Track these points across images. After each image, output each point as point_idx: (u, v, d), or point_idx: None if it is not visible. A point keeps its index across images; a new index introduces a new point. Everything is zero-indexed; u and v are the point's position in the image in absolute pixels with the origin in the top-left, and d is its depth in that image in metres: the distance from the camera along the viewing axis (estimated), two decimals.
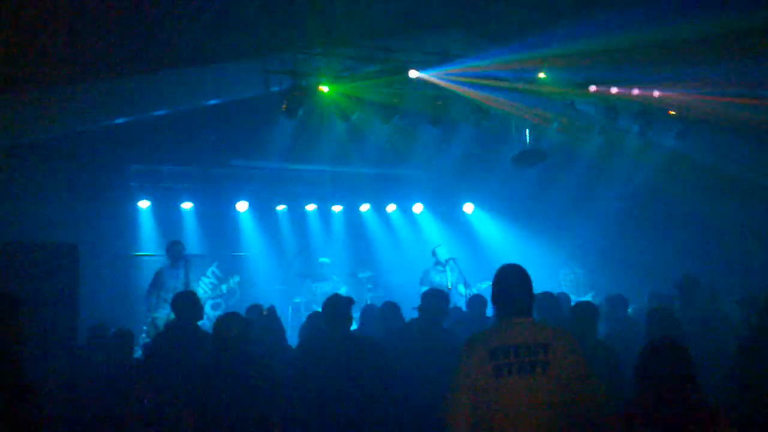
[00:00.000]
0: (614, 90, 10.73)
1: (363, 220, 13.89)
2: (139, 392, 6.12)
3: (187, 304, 6.46)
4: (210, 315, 10.99)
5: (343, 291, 10.69)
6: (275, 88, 9.41)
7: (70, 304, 7.56)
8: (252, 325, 5.77)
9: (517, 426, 3.66)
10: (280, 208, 13.13)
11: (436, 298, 6.58)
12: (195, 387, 4.92)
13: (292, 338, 7.96)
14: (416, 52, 10.02)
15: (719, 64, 9.29)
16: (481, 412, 3.70)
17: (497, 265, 4.11)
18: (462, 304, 9.16)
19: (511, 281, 3.97)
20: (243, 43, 9.29)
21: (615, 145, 11.74)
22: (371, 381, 5.14)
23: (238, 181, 12.49)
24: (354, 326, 6.62)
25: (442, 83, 10.04)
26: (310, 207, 13.37)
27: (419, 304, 6.75)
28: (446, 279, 10.41)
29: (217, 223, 12.41)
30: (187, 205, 12.15)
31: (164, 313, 8.97)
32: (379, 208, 13.98)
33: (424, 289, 9.96)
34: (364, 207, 13.80)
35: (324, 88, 9.65)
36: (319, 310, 6.46)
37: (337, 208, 13.61)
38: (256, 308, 7.31)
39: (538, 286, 4.39)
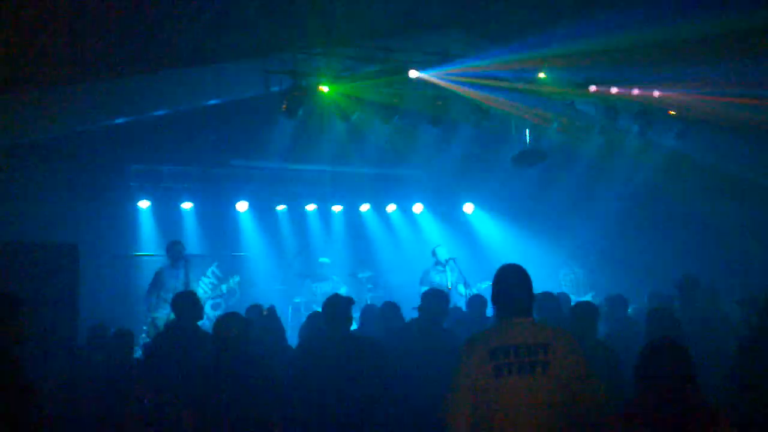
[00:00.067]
0: (614, 90, 10.73)
1: (363, 220, 13.89)
2: (139, 392, 6.12)
3: (187, 304, 6.46)
4: (210, 315, 10.99)
5: (343, 291, 10.68)
6: (275, 88, 9.41)
7: (70, 304, 7.56)
8: (252, 325, 5.77)
9: (517, 426, 3.66)
10: (280, 208, 13.13)
11: (436, 298, 6.58)
12: (195, 387, 4.92)
13: (292, 338, 7.96)
14: (416, 52, 10.02)
15: (719, 64, 9.29)
16: (481, 412, 3.70)
17: (497, 265, 4.11)
18: (462, 304, 9.16)
19: (511, 281, 3.97)
20: (243, 43, 9.30)
21: (615, 145, 11.74)
22: (371, 381, 5.14)
23: (238, 181, 12.49)
24: (354, 326, 6.62)
25: (442, 83, 10.04)
26: (310, 207, 13.37)
27: (419, 304, 6.75)
28: (446, 279, 10.41)
29: (217, 223, 12.41)
30: (187, 205, 12.15)
31: (164, 313, 8.96)
32: (379, 208, 13.98)
33: (424, 289, 9.98)
34: (364, 207, 13.80)
35: (324, 88, 9.65)
36: (319, 310, 6.46)
37: (337, 208, 13.61)
38: (256, 308, 7.31)
39: (538, 286, 4.39)
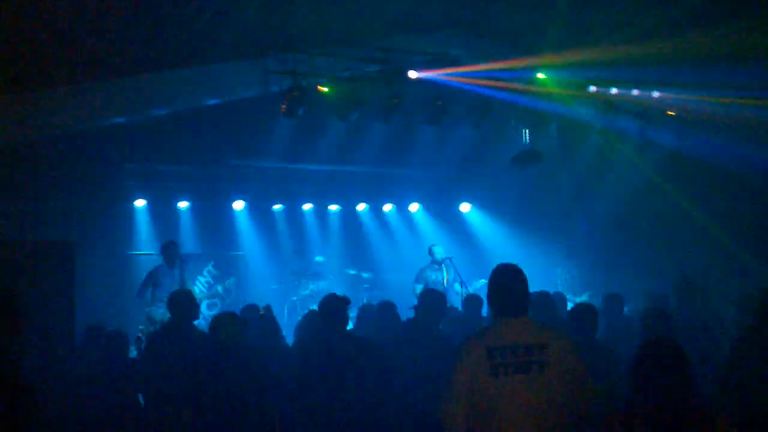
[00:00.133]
0: (613, 91, 10.75)
1: (360, 219, 13.90)
2: (135, 391, 6.11)
3: (183, 303, 6.45)
4: (206, 314, 10.98)
5: (339, 290, 10.69)
6: (275, 88, 9.41)
7: (67, 302, 7.55)
8: (248, 325, 5.77)
9: (514, 425, 3.66)
10: (277, 207, 13.13)
11: (433, 298, 6.58)
12: (191, 386, 4.93)
13: (289, 337, 7.96)
14: (415, 52, 10.03)
15: (718, 64, 9.31)
16: (478, 412, 3.70)
17: (493, 265, 4.11)
18: (458, 303, 9.16)
19: (508, 281, 3.97)
20: (242, 43, 9.29)
21: (613, 145, 11.75)
22: (368, 381, 5.13)
23: (235, 181, 12.49)
24: (350, 326, 6.62)
25: (441, 83, 10.05)
26: (307, 206, 13.37)
27: (416, 303, 6.74)
28: (442, 278, 10.42)
29: (214, 222, 12.41)
30: (183, 204, 12.14)
31: (160, 313, 8.94)
32: (375, 207, 13.99)
33: (419, 287, 10.01)
34: (361, 206, 13.80)
35: (323, 88, 9.64)
36: (316, 308, 6.45)
37: (333, 208, 13.61)
38: (251, 308, 7.30)
39: (534, 286, 4.39)
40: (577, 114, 11.08)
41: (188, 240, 11.87)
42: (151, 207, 11.89)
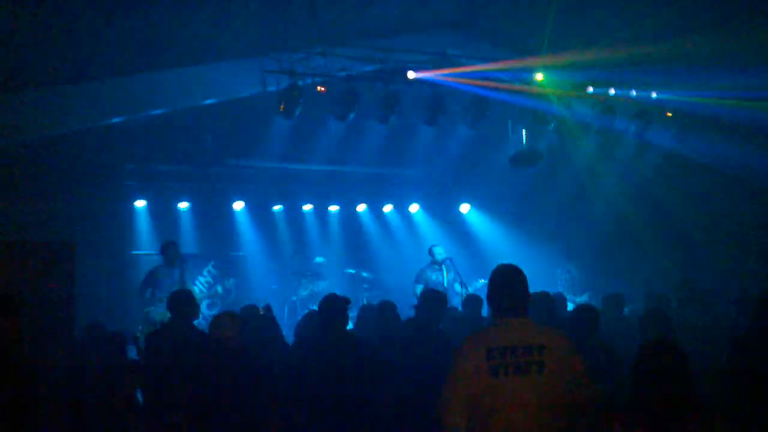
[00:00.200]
0: (612, 91, 10.76)
1: (359, 220, 13.90)
2: (134, 391, 6.11)
3: (183, 302, 6.45)
4: (206, 314, 10.98)
5: (339, 290, 10.69)
6: (272, 88, 9.41)
7: (67, 303, 7.53)
8: (247, 324, 5.77)
9: (513, 426, 3.66)
10: (277, 207, 13.14)
11: (433, 298, 6.58)
12: (191, 386, 4.92)
13: (288, 337, 7.96)
14: (414, 52, 10.04)
15: (716, 65, 9.32)
16: (477, 412, 3.70)
17: (493, 265, 4.11)
18: (458, 303, 9.16)
19: (507, 281, 3.96)
20: (240, 43, 9.31)
21: (612, 146, 11.76)
22: (367, 381, 5.14)
23: (235, 181, 12.50)
24: (350, 326, 6.62)
25: (440, 83, 10.06)
26: (307, 207, 13.38)
27: (416, 302, 6.73)
28: (443, 278, 10.42)
29: (214, 223, 12.41)
30: (183, 205, 12.14)
31: (159, 312, 8.94)
32: (375, 208, 13.99)
33: (419, 287, 10.01)
34: (361, 207, 13.80)
35: (321, 88, 9.64)
36: (316, 308, 6.45)
37: (333, 208, 13.62)
38: (251, 308, 7.30)
39: (534, 286, 4.39)
40: (576, 115, 11.08)
41: (188, 240, 11.88)
42: (151, 207, 11.89)
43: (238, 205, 12.56)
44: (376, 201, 13.94)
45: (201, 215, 12.27)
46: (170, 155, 11.67)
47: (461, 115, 10.75)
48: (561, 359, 3.75)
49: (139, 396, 6.18)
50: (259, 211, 12.85)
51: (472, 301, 7.95)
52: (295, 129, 10.80)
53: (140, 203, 11.80)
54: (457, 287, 10.19)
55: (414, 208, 14.10)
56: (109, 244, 11.25)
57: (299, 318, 7.84)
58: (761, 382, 4.89)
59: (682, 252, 11.90)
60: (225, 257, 12.52)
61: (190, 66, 9.54)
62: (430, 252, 10.79)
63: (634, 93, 10.84)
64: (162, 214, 11.96)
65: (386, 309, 6.97)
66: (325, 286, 11.16)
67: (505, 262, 4.11)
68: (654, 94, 10.86)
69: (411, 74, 9.90)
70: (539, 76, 10.35)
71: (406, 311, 7.32)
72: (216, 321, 5.13)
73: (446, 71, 9.98)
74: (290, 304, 11.44)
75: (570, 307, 9.54)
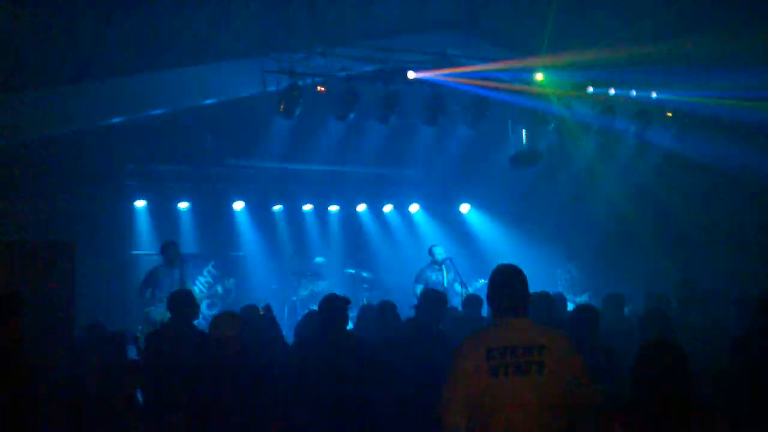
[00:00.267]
0: (612, 91, 10.77)
1: (360, 220, 13.90)
2: (134, 391, 6.11)
3: (183, 302, 6.45)
4: (206, 314, 10.98)
5: (339, 290, 10.69)
6: (272, 88, 9.41)
7: (67, 303, 7.54)
8: (247, 325, 5.77)
9: (513, 426, 3.66)
10: (277, 207, 13.14)
11: (433, 298, 6.58)
12: (191, 386, 4.92)
13: (288, 337, 7.95)
14: (414, 52, 10.04)
15: (717, 65, 9.33)
16: (477, 412, 3.70)
17: (493, 265, 4.10)
18: (458, 303, 9.16)
19: (507, 281, 3.96)
20: (240, 43, 9.31)
21: (612, 146, 11.76)
22: (367, 381, 5.14)
23: (235, 181, 12.50)
24: (350, 326, 6.62)
25: (439, 83, 10.06)
26: (307, 207, 13.38)
27: (416, 302, 6.73)
28: (443, 278, 10.42)
29: (214, 223, 12.42)
30: (183, 205, 12.14)
31: (159, 312, 8.94)
32: (375, 208, 13.99)
33: (419, 287, 10.01)
34: (361, 207, 13.80)
35: (321, 88, 9.64)
36: (316, 309, 6.45)
37: (333, 208, 13.62)
38: (251, 308, 7.30)
39: (534, 286, 4.39)
40: (576, 115, 11.08)
41: (188, 240, 11.88)
42: (151, 207, 11.89)
43: (238, 205, 12.56)
44: (376, 201, 13.94)
45: (201, 215, 12.27)
46: (170, 155, 11.68)
47: (461, 115, 10.76)
48: (561, 359, 3.75)
49: (139, 396, 6.19)
50: (259, 211, 12.86)
51: (472, 301, 7.95)
52: (295, 129, 10.81)
53: (140, 203, 11.80)
54: (457, 287, 10.19)
55: (414, 208, 14.10)
56: (109, 244, 11.26)
57: (299, 318, 7.84)
58: (761, 382, 4.89)
59: (682, 252, 11.90)
60: (225, 257, 12.53)
61: (190, 66, 9.54)
62: (430, 252, 10.80)
63: (634, 93, 10.85)
64: (162, 214, 11.96)
65: (386, 309, 6.97)
66: (325, 286, 11.16)
67: (505, 262, 4.10)
68: (654, 94, 10.86)
69: (411, 74, 9.90)
70: (539, 76, 10.35)
71: (406, 311, 7.32)
72: (216, 321, 5.12)
73: (446, 71, 9.99)
74: (290, 304, 11.45)
75: (570, 307, 9.56)
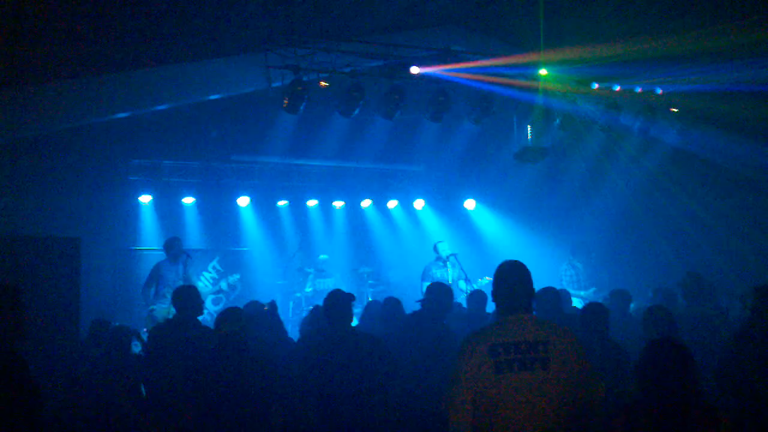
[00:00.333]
0: (617, 87, 10.74)
1: (364, 216, 13.90)
2: (139, 386, 6.13)
3: (188, 298, 6.46)
4: (211, 310, 11.02)
5: (344, 286, 10.68)
6: (277, 84, 9.41)
7: (72, 298, 7.56)
8: (252, 321, 5.78)
9: (517, 422, 3.66)
10: (282, 203, 13.14)
11: (440, 292, 6.58)
12: (195, 381, 4.93)
13: (293, 333, 7.97)
14: (418, 48, 10.03)
15: (723, 60, 9.29)
16: (482, 408, 3.70)
17: (498, 261, 4.10)
18: (463, 299, 9.16)
19: (512, 277, 3.96)
20: (245, 38, 9.30)
21: (617, 141, 11.74)
22: (372, 376, 5.14)
23: (240, 177, 12.50)
24: (355, 322, 6.62)
25: (444, 79, 10.04)
26: (312, 203, 13.38)
27: (422, 297, 6.72)
28: (447, 275, 10.41)
29: (219, 218, 12.43)
30: (188, 200, 12.16)
31: (163, 308, 8.96)
32: (380, 203, 13.99)
33: (426, 284, 9.99)
34: (366, 203, 13.80)
35: (324, 83, 9.63)
36: (321, 305, 6.45)
37: (338, 204, 13.62)
38: (255, 304, 7.32)
39: (540, 282, 4.38)
40: (581, 110, 11.07)
41: (193, 236, 11.91)
42: (156, 203, 11.91)
43: (243, 201, 12.57)
44: (381, 197, 13.94)
45: (206, 211, 12.29)
46: (175, 151, 11.70)
47: (466, 111, 10.74)
48: (565, 355, 3.74)
49: (143, 390, 6.21)
50: (263, 206, 12.86)
51: (476, 297, 7.95)
52: (300, 125, 10.81)
53: (145, 198, 11.82)
54: (462, 284, 10.17)
55: (419, 204, 14.09)
56: (114, 239, 11.31)
57: (304, 314, 7.85)
58: (758, 377, 4.89)
59: (688, 247, 11.89)
60: (230, 253, 12.55)
61: (194, 61, 9.54)
62: (435, 249, 10.79)
63: (639, 89, 10.82)
64: (167, 209, 11.97)
65: (391, 305, 6.98)
66: (329, 283, 11.17)
67: (510, 258, 4.11)
68: (659, 90, 10.83)
69: (415, 69, 9.89)
70: (544, 72, 10.33)
71: (411, 307, 7.32)
72: (221, 317, 5.13)
73: (451, 67, 9.97)
74: (295, 300, 11.46)
75: (575, 301, 9.56)
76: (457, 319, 7.24)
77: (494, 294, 4.00)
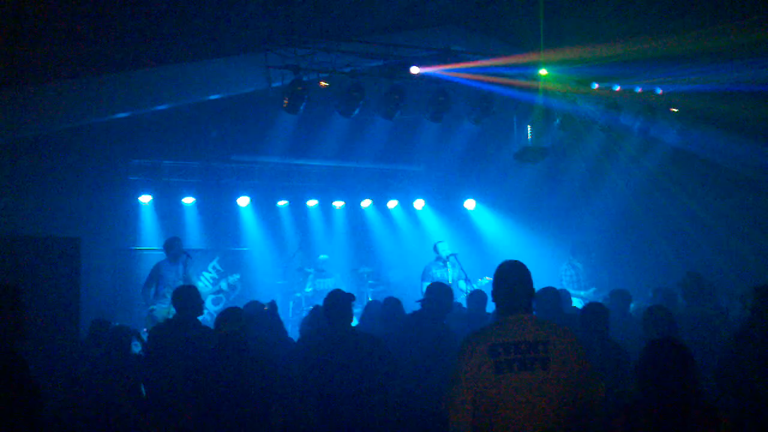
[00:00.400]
0: (617, 87, 10.74)
1: (364, 216, 13.90)
2: (139, 386, 6.13)
3: (188, 298, 6.46)
4: (211, 310, 11.03)
5: (343, 286, 10.68)
6: (277, 84, 9.41)
7: (72, 298, 7.56)
8: (252, 321, 5.77)
9: (517, 422, 3.66)
10: (282, 203, 13.14)
11: (441, 292, 6.58)
12: (195, 381, 4.93)
13: (293, 333, 7.97)
14: (418, 48, 10.03)
15: (723, 59, 9.29)
16: (481, 408, 3.70)
17: (498, 261, 4.11)
18: (463, 300, 9.16)
19: (512, 278, 3.96)
20: (244, 38, 9.30)
21: (617, 141, 11.75)
22: (372, 377, 5.14)
23: (240, 177, 12.50)
24: (355, 322, 6.62)
25: (444, 79, 10.04)
26: (312, 203, 13.38)
27: (422, 297, 6.71)
28: (447, 275, 10.40)
29: (219, 218, 12.43)
30: (188, 200, 12.16)
31: (163, 308, 8.96)
32: (380, 203, 13.99)
33: (426, 284, 9.99)
34: (366, 203, 13.80)
35: (324, 83, 9.63)
36: (320, 305, 6.45)
37: (338, 204, 13.62)
38: (255, 304, 7.32)
39: (540, 282, 4.38)
40: (581, 110, 11.07)
41: (193, 236, 11.91)
42: (156, 203, 11.91)
43: (243, 201, 12.57)
44: (381, 197, 13.93)
45: (206, 211, 12.29)
46: (175, 151, 11.70)
47: (466, 111, 10.74)
48: (566, 355, 3.74)
49: (143, 390, 6.21)
50: (263, 206, 12.86)
51: (476, 297, 7.94)
52: (300, 124, 10.81)
53: (145, 198, 11.82)
54: (462, 284, 10.16)
55: (419, 204, 14.09)
56: (114, 239, 11.31)
57: (304, 314, 7.85)
58: (757, 376, 4.89)
59: (687, 247, 11.89)
60: (230, 253, 12.55)
61: (194, 61, 9.54)
62: (435, 249, 10.79)
63: (639, 89, 10.82)
64: (167, 209, 11.97)
65: (391, 305, 6.98)
66: (329, 283, 11.17)
67: (511, 257, 4.11)
68: (659, 90, 10.84)
69: (415, 69, 9.88)
70: (544, 72, 10.33)
71: (411, 307, 7.33)
72: (221, 317, 5.13)
73: (451, 67, 9.97)
74: (295, 300, 11.46)
75: (575, 301, 9.56)
76: (457, 319, 7.24)
77: (494, 294, 4.00)
